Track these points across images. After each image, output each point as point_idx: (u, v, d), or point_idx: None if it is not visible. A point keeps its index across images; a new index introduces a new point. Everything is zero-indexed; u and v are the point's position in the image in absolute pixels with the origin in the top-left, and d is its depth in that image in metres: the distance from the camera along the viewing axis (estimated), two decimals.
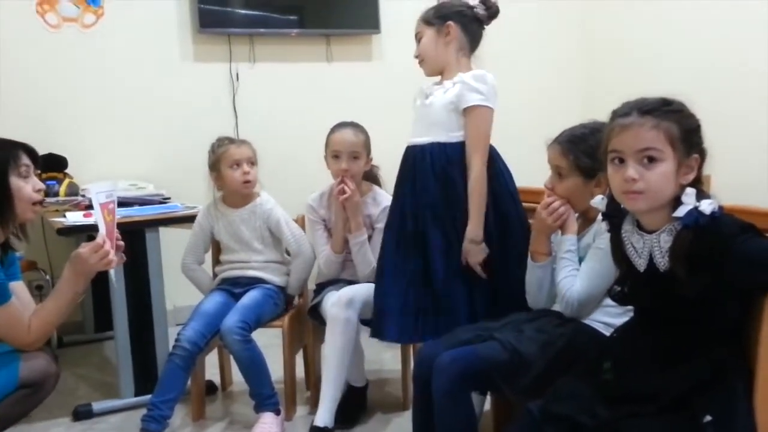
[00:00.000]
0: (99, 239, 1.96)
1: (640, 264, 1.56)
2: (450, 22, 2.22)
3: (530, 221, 2.12)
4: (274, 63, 4.10)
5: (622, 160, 1.50)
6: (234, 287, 2.67)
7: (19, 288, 2.11)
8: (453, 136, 2.18)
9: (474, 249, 2.13)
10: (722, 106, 3.71)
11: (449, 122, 2.18)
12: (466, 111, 2.16)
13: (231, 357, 2.59)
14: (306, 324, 2.70)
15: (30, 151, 2.06)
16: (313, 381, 2.74)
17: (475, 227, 2.13)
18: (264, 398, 2.48)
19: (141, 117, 3.83)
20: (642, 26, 4.44)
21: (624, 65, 4.53)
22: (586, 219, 1.99)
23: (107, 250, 1.96)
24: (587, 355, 1.69)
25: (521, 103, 4.56)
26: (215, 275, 2.79)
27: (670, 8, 4.24)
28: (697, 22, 4.10)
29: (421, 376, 1.90)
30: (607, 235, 1.70)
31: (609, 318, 1.87)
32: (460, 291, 2.16)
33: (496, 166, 2.22)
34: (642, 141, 1.48)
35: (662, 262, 1.51)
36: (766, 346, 1.43)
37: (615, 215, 1.63)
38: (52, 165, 3.39)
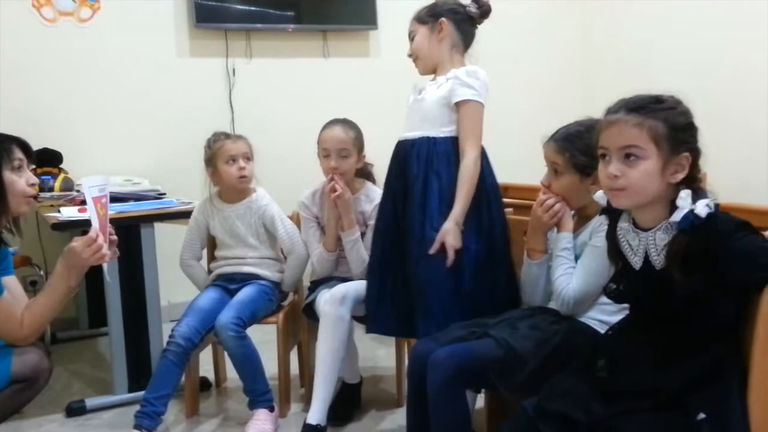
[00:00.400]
0: (92, 233, 1.95)
1: (636, 262, 1.55)
2: (443, 19, 2.23)
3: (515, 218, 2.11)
4: (270, 59, 4.09)
5: (607, 157, 1.51)
6: (229, 283, 2.66)
7: (11, 283, 2.10)
8: (443, 131, 2.18)
9: (454, 230, 2.10)
10: (720, 104, 3.72)
11: (440, 117, 2.18)
12: (459, 105, 2.16)
13: (225, 353, 2.58)
14: (301, 320, 2.70)
15: (23, 145, 2.05)
16: (308, 378, 2.73)
17: (460, 210, 2.11)
18: (258, 395, 2.48)
19: (137, 112, 3.82)
20: (641, 26, 4.45)
21: (622, 65, 4.53)
22: (582, 216, 1.99)
23: (100, 243, 1.95)
24: (582, 353, 1.69)
25: (520, 100, 4.57)
26: (210, 271, 2.78)
27: (669, 8, 4.25)
28: (696, 21, 4.10)
29: (416, 372, 1.89)
30: (604, 233, 1.69)
31: (604, 315, 1.87)
32: (442, 281, 2.13)
33: (481, 163, 2.18)
34: (624, 138, 1.48)
35: (658, 260, 1.50)
36: (760, 343, 1.42)
37: (614, 211, 1.62)
38: (47, 160, 3.39)
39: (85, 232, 2.02)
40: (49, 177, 3.28)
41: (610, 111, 1.53)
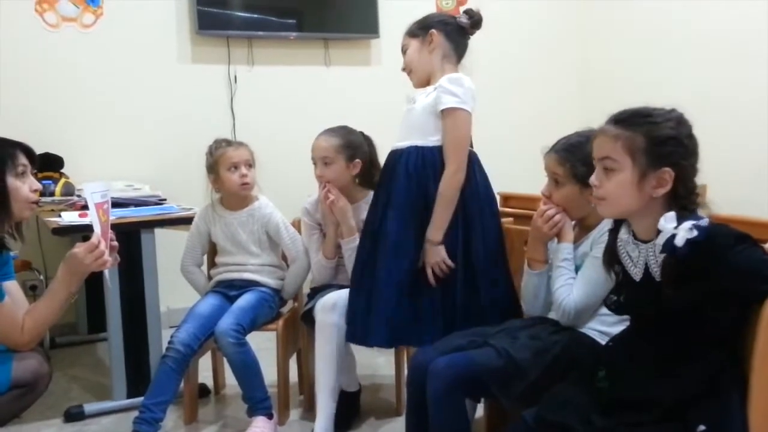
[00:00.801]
0: (94, 239, 1.95)
1: (636, 273, 1.56)
2: (433, 30, 2.25)
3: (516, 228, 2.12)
4: (272, 66, 4.10)
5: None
6: (229, 290, 2.66)
7: (12, 288, 2.11)
8: (431, 139, 2.19)
9: (431, 250, 2.12)
10: (721, 115, 3.74)
11: (427, 126, 2.19)
12: (443, 113, 2.16)
13: (224, 360, 2.58)
14: (300, 328, 2.70)
15: (27, 151, 2.06)
16: (307, 385, 2.73)
17: (434, 228, 2.12)
18: (257, 402, 2.47)
19: (138, 118, 3.83)
20: (641, 38, 4.45)
21: (623, 77, 4.53)
22: (583, 227, 2.00)
23: (102, 250, 1.95)
24: (582, 363, 1.70)
25: (520, 111, 4.60)
26: (210, 277, 2.78)
27: (670, 20, 4.26)
28: (698, 31, 4.12)
29: (416, 381, 1.90)
30: (604, 244, 1.70)
31: (605, 326, 1.87)
32: (424, 293, 2.14)
33: (471, 171, 2.19)
34: (601, 149, 1.53)
35: (658, 271, 1.51)
36: (761, 355, 1.43)
37: (617, 220, 1.63)
38: (48, 164, 3.38)
39: (85, 238, 2.02)
40: (50, 182, 3.28)
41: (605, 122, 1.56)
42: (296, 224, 2.77)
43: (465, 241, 2.16)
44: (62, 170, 3.48)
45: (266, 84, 4.09)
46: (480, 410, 2.27)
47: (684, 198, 1.48)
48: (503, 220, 2.37)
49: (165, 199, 3.23)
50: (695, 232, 1.41)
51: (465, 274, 2.15)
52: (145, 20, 3.82)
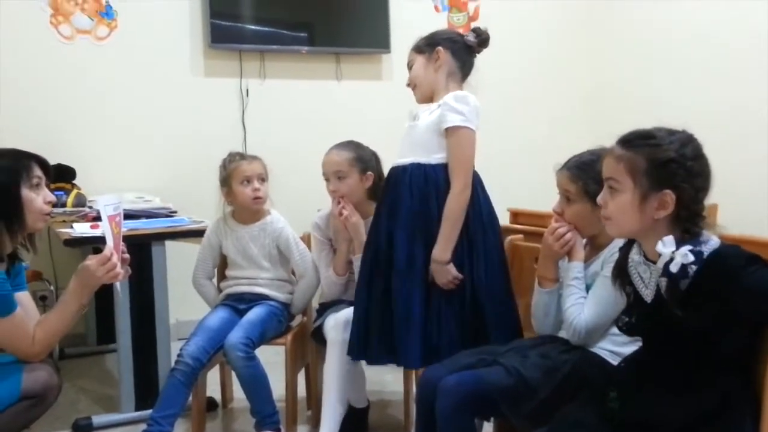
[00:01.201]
0: (107, 252, 1.97)
1: (647, 294, 1.55)
2: (439, 48, 2.26)
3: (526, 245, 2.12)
4: (284, 80, 4.13)
5: None
6: (239, 303, 2.66)
7: (24, 298, 2.11)
8: (434, 157, 2.19)
9: (439, 270, 2.13)
10: (734, 135, 3.73)
11: (431, 143, 2.19)
12: (448, 132, 2.16)
13: (232, 373, 2.58)
14: (309, 343, 2.70)
15: (42, 163, 2.07)
16: (315, 400, 2.72)
17: (441, 248, 2.13)
18: (265, 416, 2.47)
19: (150, 130, 3.86)
20: (652, 57, 4.45)
21: (633, 95, 4.53)
22: (594, 246, 1.99)
23: (114, 262, 1.97)
24: (593, 383, 1.69)
25: (532, 128, 4.61)
26: (220, 290, 2.79)
27: (681, 39, 4.26)
28: (709, 49, 4.12)
29: (425, 398, 1.89)
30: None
31: (615, 347, 1.87)
32: (418, 313, 2.15)
33: (474, 190, 2.19)
34: (607, 170, 1.55)
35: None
36: None
37: (629, 239, 1.63)
38: (61, 175, 3.40)
39: (96, 249, 2.03)
40: (62, 192, 3.30)
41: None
42: (305, 238, 2.77)
43: (469, 261, 2.16)
44: (74, 181, 3.51)
45: (278, 97, 4.11)
46: (489, 429, 2.26)
47: (686, 221, 1.47)
48: (513, 236, 2.37)
49: (176, 211, 3.23)
50: (691, 258, 1.41)
51: (470, 293, 2.15)
52: (159, 33, 3.86)
